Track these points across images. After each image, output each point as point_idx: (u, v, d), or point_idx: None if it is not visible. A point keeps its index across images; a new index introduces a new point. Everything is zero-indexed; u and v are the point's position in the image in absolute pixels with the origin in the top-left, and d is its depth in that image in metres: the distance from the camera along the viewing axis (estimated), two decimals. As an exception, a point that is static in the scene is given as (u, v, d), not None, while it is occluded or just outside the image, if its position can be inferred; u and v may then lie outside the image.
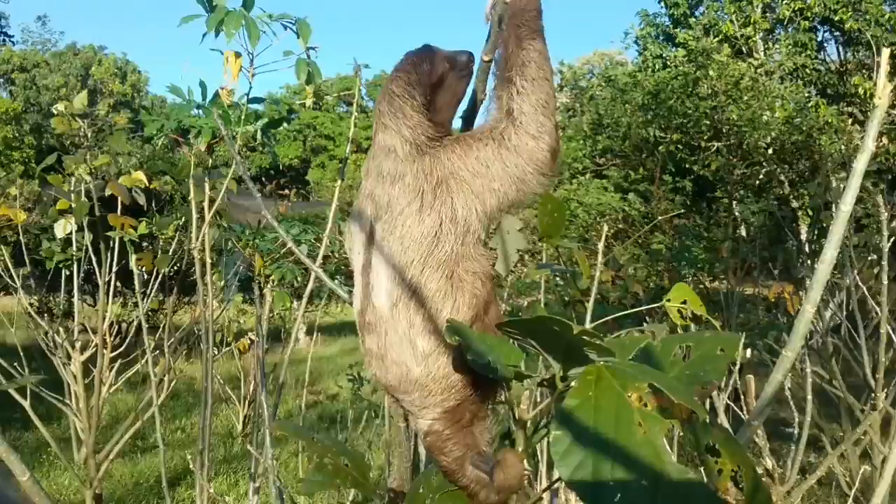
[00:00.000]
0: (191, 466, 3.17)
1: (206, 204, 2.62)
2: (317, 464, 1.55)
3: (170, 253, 5.32)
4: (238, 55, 2.65)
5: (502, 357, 1.44)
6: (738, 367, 4.63)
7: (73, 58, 47.72)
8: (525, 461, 1.64)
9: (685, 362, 1.48)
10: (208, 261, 2.94)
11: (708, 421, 1.42)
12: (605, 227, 2.23)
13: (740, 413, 3.39)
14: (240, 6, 2.53)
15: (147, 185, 5.09)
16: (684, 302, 2.03)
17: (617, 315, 2.09)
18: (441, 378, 1.66)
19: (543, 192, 1.79)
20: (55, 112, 4.48)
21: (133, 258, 4.59)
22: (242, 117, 2.82)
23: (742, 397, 3.75)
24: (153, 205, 5.98)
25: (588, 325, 2.05)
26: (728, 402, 3.42)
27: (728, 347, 1.48)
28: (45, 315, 9.57)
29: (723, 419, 3.11)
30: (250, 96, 2.90)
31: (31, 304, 7.72)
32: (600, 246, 2.08)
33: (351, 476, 1.67)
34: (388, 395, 1.78)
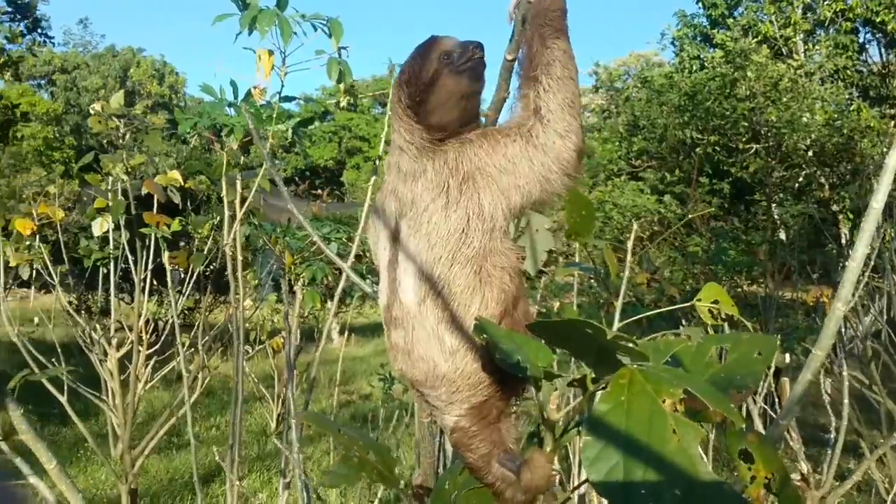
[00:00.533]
0: (217, 459, 3.18)
1: (237, 202, 2.63)
2: (342, 456, 1.54)
3: (205, 252, 5.35)
4: (270, 53, 2.65)
5: (531, 356, 1.42)
6: (773, 371, 4.54)
7: (112, 59, 48.51)
8: (555, 461, 1.61)
9: (721, 365, 1.44)
10: (239, 258, 2.95)
11: (743, 427, 1.39)
12: (636, 227, 2.19)
13: (776, 417, 3.32)
14: (273, 5, 2.54)
15: (182, 184, 5.14)
16: (716, 302, 1.99)
17: (648, 314, 2.05)
18: (469, 374, 1.64)
19: (566, 193, 1.76)
20: (92, 112, 4.53)
21: (165, 256, 4.63)
22: (274, 116, 2.83)
23: (777, 401, 3.69)
24: (189, 204, 6.04)
25: (617, 325, 2.01)
26: (763, 406, 3.36)
27: (765, 350, 1.43)
28: (84, 312, 9.74)
29: (758, 423, 3.06)
30: (282, 95, 2.92)
31: (70, 302, 7.84)
32: (629, 245, 2.05)
33: (376, 469, 1.66)
34: (413, 390, 1.77)
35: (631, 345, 1.15)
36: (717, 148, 14.70)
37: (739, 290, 10.69)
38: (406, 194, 1.70)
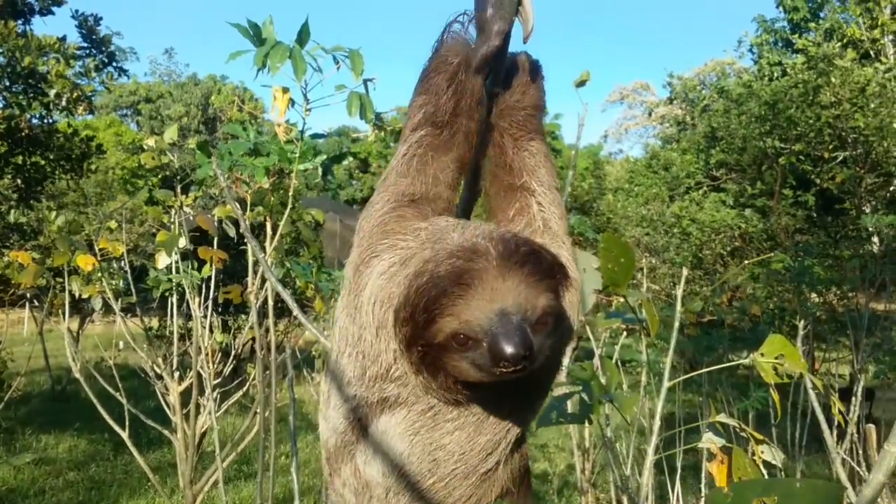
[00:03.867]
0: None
1: (267, 239, 2.49)
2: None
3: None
4: (286, 90, 2.53)
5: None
6: (865, 393, 4.16)
7: (194, 88, 50.01)
8: None
9: None
10: (271, 302, 2.83)
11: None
12: (685, 272, 1.96)
13: (858, 470, 2.99)
14: (294, 40, 2.41)
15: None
16: (780, 356, 1.75)
17: (696, 373, 1.83)
18: None
19: None
20: (145, 147, 4.52)
21: (194, 301, 4.61)
22: (297, 155, 2.69)
23: (863, 445, 3.35)
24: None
25: (666, 384, 1.78)
26: (846, 457, 3.03)
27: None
28: (162, 340, 9.88)
29: (840, 472, 2.75)
30: (310, 132, 2.79)
31: (148, 329, 7.91)
32: (678, 292, 1.82)
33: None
34: None
35: None
36: (800, 158, 14.12)
37: (826, 305, 10.17)
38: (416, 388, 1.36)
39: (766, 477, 1.88)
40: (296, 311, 2.00)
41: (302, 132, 2.66)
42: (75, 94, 8.44)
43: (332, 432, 1.47)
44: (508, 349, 1.14)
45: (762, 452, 1.72)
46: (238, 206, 2.31)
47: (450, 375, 1.27)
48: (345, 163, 3.19)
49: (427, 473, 1.36)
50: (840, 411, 1.90)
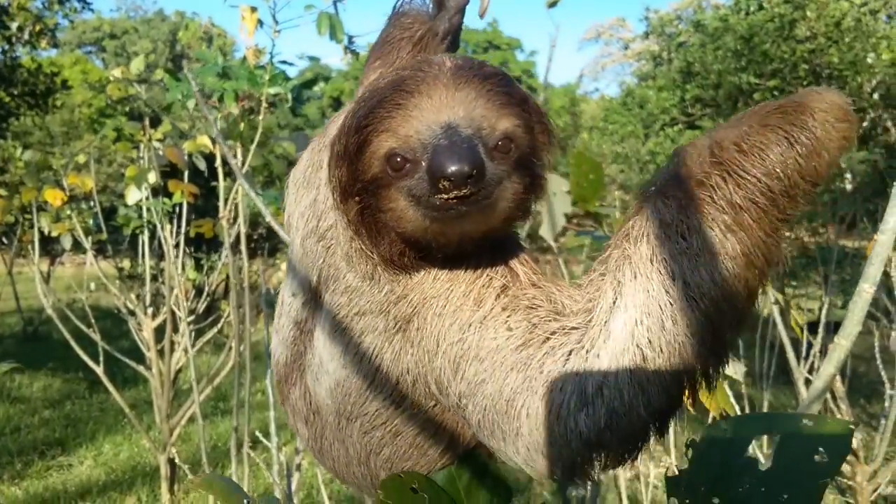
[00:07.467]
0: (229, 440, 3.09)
1: (232, 163, 2.45)
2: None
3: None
4: (254, 9, 2.47)
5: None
6: (825, 326, 4.23)
7: (161, 24, 48.69)
8: None
9: (766, 469, 0.98)
10: (244, 228, 2.82)
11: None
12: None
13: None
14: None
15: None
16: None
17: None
18: None
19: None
20: (111, 79, 4.42)
21: (166, 229, 4.57)
22: (267, 79, 2.64)
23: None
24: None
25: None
26: (808, 376, 3.08)
27: (834, 448, 0.94)
28: (134, 280, 9.84)
29: (802, 391, 2.82)
30: (280, 57, 2.75)
31: (119, 269, 7.85)
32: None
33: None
34: None
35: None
36: (775, 93, 14.11)
37: (796, 240, 10.32)
38: (351, 280, 1.16)
39: (732, 396, 1.92)
40: (268, 217, 2.00)
41: (271, 55, 2.61)
42: (38, 27, 8.19)
43: (284, 347, 1.34)
44: (450, 165, 0.90)
45: (726, 366, 1.75)
46: (212, 119, 2.26)
47: (395, 240, 1.05)
48: (316, 89, 3.14)
49: (370, 396, 1.17)
50: (800, 325, 1.94)
